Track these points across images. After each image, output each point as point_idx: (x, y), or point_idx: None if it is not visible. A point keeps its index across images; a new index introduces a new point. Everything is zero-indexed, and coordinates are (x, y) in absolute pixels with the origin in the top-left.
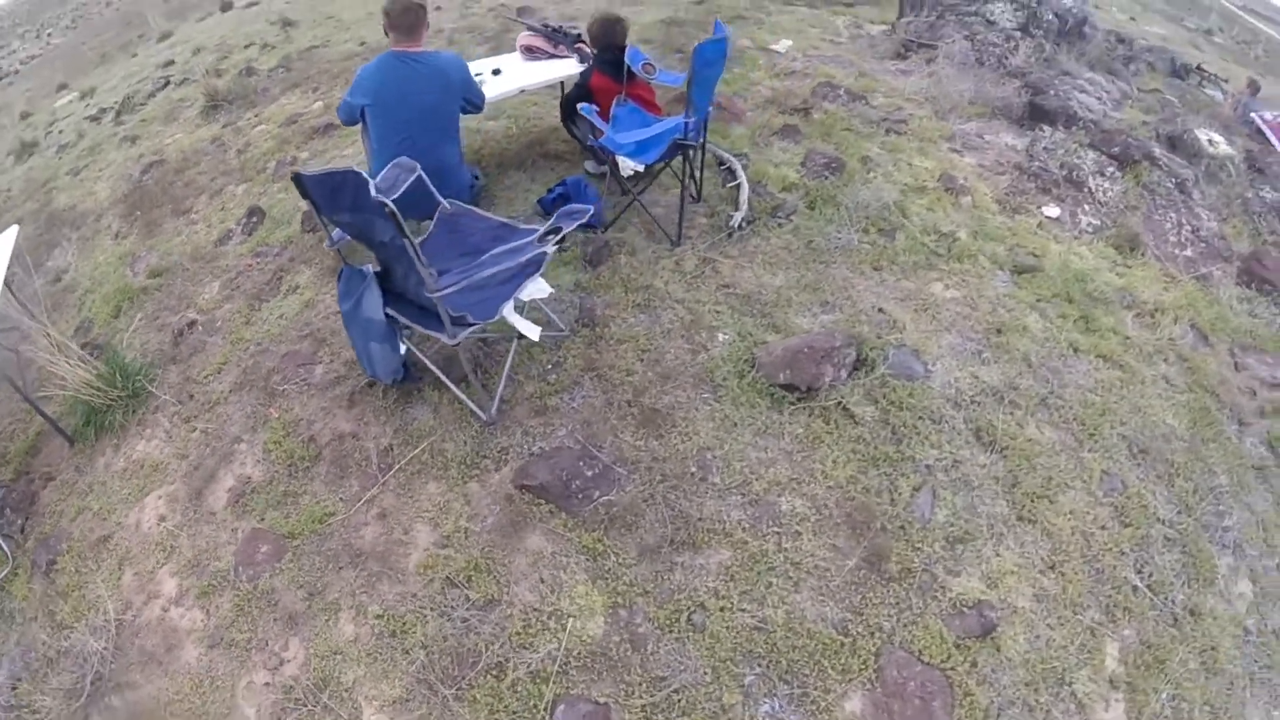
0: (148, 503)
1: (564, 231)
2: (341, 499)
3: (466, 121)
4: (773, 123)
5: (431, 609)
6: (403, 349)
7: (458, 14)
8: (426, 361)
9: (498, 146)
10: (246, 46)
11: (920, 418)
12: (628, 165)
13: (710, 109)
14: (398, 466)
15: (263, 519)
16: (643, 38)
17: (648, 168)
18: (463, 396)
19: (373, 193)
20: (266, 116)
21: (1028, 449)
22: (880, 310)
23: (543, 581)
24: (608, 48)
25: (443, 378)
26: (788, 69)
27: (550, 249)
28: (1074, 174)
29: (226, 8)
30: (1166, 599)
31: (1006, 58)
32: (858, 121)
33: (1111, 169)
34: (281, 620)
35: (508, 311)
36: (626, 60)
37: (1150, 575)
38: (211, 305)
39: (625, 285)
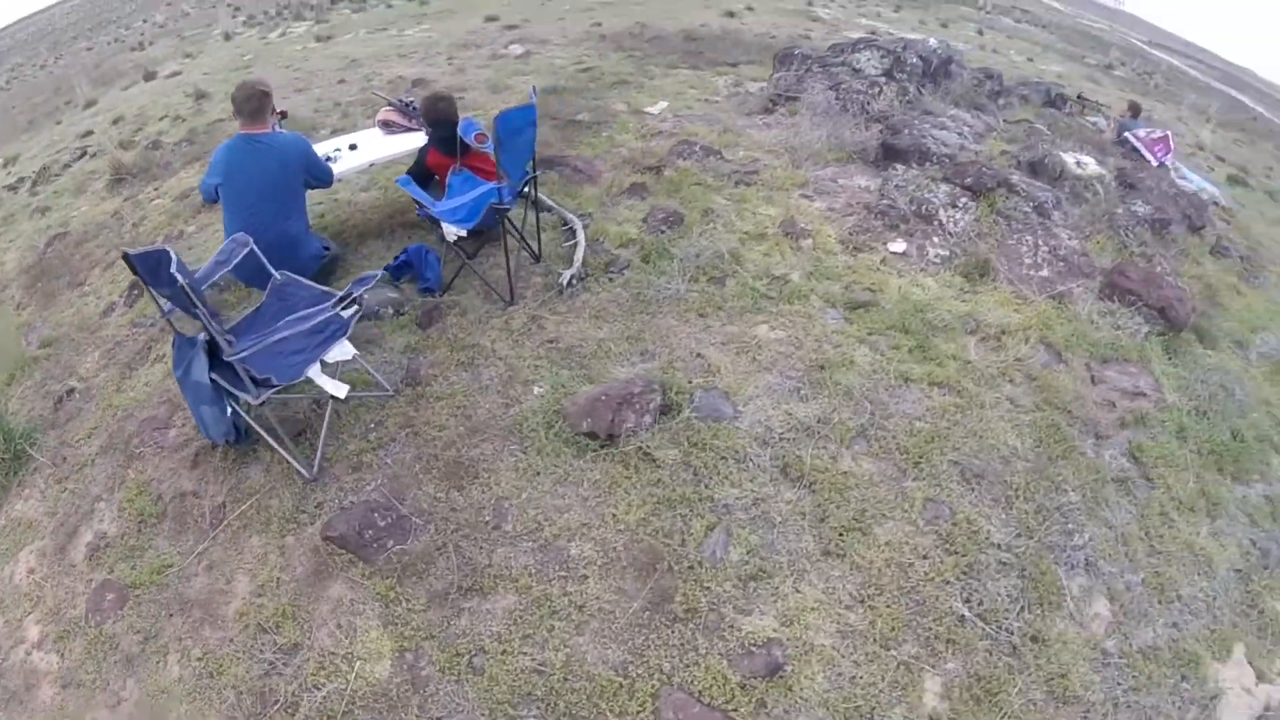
0: (21, 557)
1: (354, 295)
2: (179, 552)
3: (338, 193)
4: (624, 182)
5: (244, 652)
6: (229, 411)
7: (357, 88)
8: (251, 422)
9: (363, 217)
10: (160, 118)
11: (723, 458)
12: (452, 231)
13: (534, 172)
14: (226, 522)
15: (112, 571)
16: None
17: (480, 232)
18: (287, 455)
19: (171, 269)
20: (164, 190)
21: (840, 482)
22: (698, 355)
23: (339, 627)
24: (438, 124)
25: (267, 438)
26: (655, 129)
27: (348, 314)
28: (924, 208)
29: (150, 77)
30: (1000, 627)
31: (870, 103)
32: (709, 176)
33: (965, 199)
34: (121, 662)
35: (313, 373)
36: (459, 133)
37: (981, 604)
38: (90, 374)
39: (452, 345)
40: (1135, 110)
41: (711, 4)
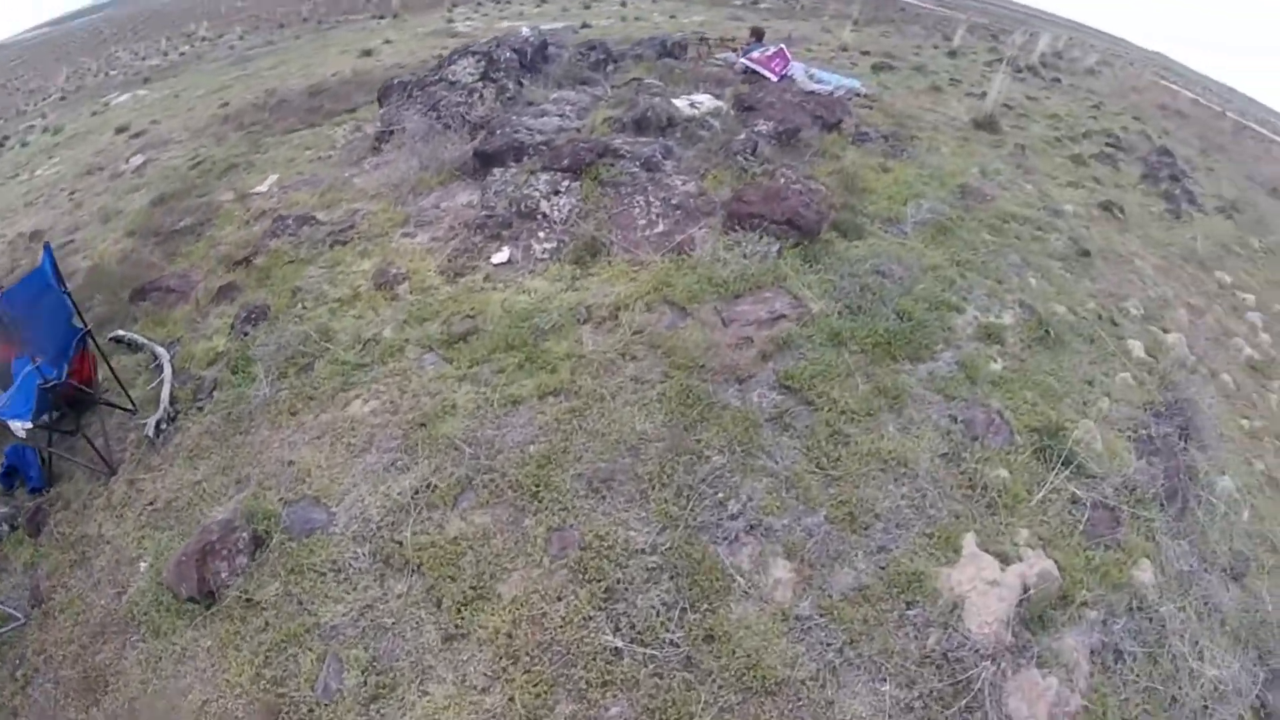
0: None
1: None
2: None
3: None
4: (215, 287)
5: None
6: None
7: None
8: None
9: None
10: None
11: (323, 574)
12: (19, 427)
13: (85, 327)
14: None
15: None
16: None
17: (77, 401)
18: None
19: None
20: None
21: (450, 552)
22: (290, 463)
23: None
24: None
25: None
26: (260, 210)
27: None
28: (525, 205)
29: None
30: (664, 643)
31: (469, 112)
32: (303, 248)
33: (566, 182)
34: None
35: None
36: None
37: (634, 627)
38: None
39: (63, 545)
40: (758, 35)
41: (350, 47)
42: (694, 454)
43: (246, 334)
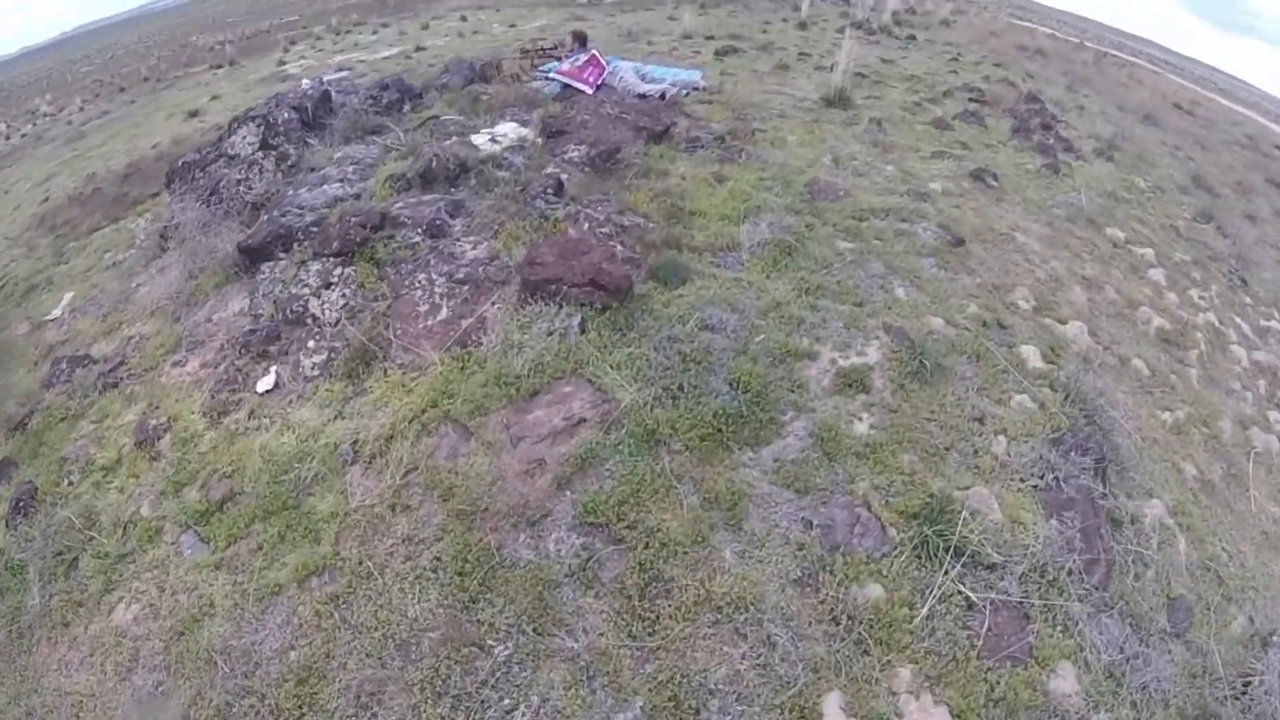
0: None
1: None
2: None
3: None
4: None
5: None
6: None
7: None
8: None
9: None
10: None
11: None
12: None
13: None
14: None
15: None
16: None
17: None
18: None
19: None
20: None
21: None
22: (67, 694)
23: None
24: None
25: None
26: (49, 345)
27: None
28: (292, 308)
29: None
30: None
31: (248, 191)
32: (75, 398)
33: (338, 270)
34: None
35: None
36: None
37: None
38: None
39: None
40: (580, 39)
41: (179, 108)
42: (475, 644)
43: (18, 527)
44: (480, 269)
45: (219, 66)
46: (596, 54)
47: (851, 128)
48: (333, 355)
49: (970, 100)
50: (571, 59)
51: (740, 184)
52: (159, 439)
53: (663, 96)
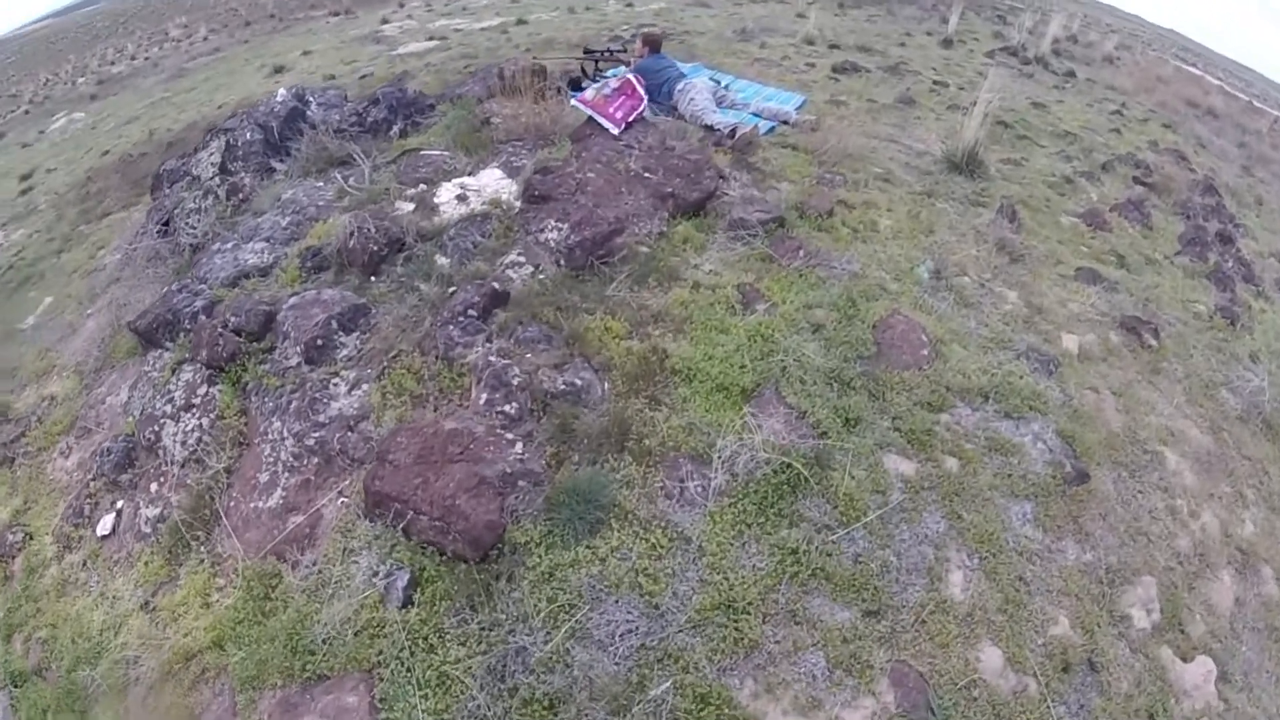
0: None
1: None
2: None
3: None
4: None
5: None
6: None
7: None
8: None
9: None
10: None
11: None
12: None
13: None
14: None
15: None
16: None
17: None
18: None
19: None
20: None
21: None
22: None
23: None
24: None
25: None
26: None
27: None
28: (151, 430)
29: None
30: None
31: (193, 228)
32: None
33: (204, 387)
34: None
35: None
36: None
37: None
38: None
39: None
40: (652, 44)
41: (277, 59)
42: None
43: None
44: (338, 435)
45: (337, 14)
46: (632, 79)
47: (974, 211)
48: (166, 511)
49: (1135, 180)
50: (598, 85)
51: (773, 318)
52: (14, 558)
53: (733, 134)
